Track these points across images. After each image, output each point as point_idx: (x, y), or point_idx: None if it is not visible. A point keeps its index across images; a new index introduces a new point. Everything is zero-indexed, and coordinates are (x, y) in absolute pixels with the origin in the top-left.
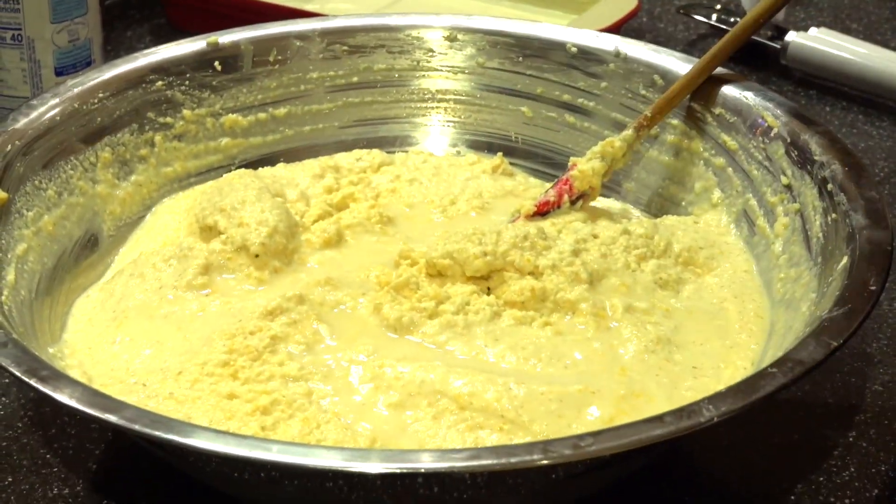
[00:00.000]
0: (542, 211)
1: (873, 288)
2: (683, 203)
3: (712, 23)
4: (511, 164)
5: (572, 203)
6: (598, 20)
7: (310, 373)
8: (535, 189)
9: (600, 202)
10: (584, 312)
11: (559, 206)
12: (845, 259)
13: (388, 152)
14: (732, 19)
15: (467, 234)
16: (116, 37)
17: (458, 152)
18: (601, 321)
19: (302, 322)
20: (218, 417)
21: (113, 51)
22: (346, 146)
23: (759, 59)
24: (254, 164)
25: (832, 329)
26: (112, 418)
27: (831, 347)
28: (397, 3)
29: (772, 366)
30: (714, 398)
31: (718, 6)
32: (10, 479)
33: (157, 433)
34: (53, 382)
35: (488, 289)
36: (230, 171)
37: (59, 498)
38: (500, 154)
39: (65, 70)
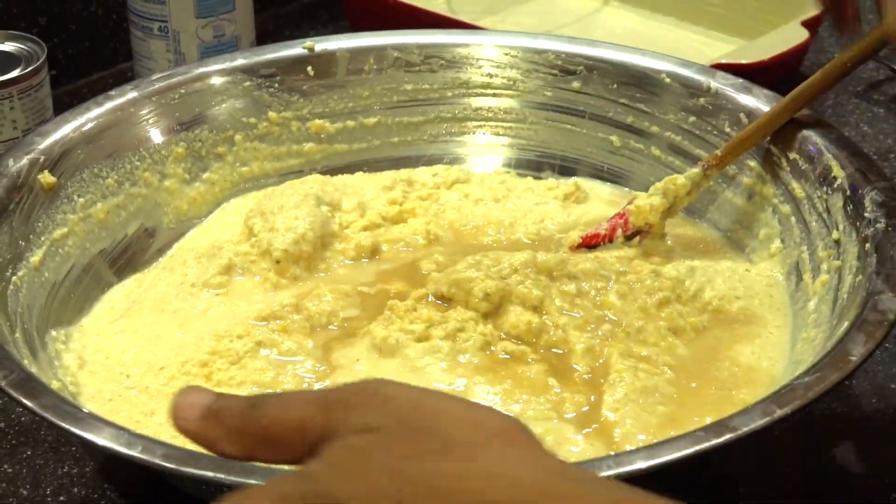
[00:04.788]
0: (590, 244)
1: (853, 358)
2: (747, 250)
3: (893, 66)
4: (595, 192)
5: (628, 238)
6: (764, 50)
7: (280, 383)
8: (600, 220)
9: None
10: (578, 353)
11: (611, 241)
12: (846, 324)
13: (471, 170)
14: None
15: (476, 261)
16: (300, 34)
17: (541, 176)
18: (593, 363)
19: (291, 331)
20: None
21: None
22: (433, 160)
23: None
24: (335, 171)
25: (786, 397)
26: (26, 401)
27: (773, 417)
28: (578, 21)
29: (703, 429)
30: (620, 456)
31: None
32: (28, 453)
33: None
34: None
35: (492, 317)
36: (309, 175)
37: (66, 476)
38: (574, 181)
39: None
